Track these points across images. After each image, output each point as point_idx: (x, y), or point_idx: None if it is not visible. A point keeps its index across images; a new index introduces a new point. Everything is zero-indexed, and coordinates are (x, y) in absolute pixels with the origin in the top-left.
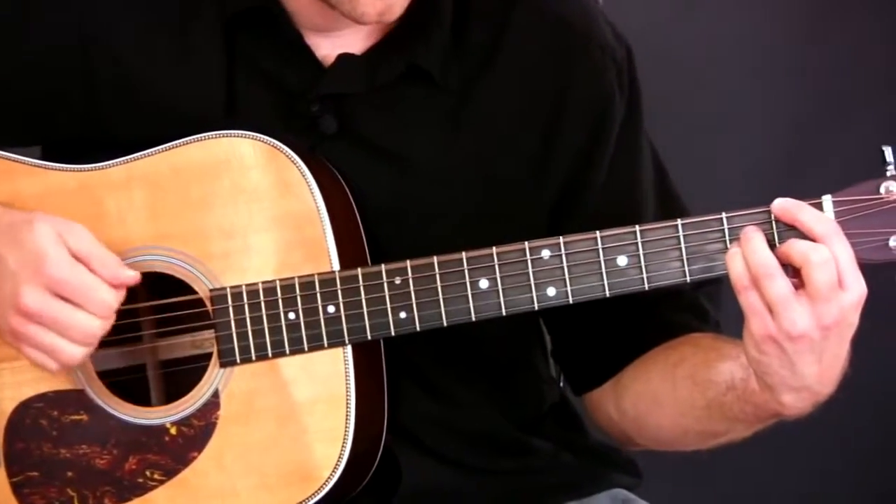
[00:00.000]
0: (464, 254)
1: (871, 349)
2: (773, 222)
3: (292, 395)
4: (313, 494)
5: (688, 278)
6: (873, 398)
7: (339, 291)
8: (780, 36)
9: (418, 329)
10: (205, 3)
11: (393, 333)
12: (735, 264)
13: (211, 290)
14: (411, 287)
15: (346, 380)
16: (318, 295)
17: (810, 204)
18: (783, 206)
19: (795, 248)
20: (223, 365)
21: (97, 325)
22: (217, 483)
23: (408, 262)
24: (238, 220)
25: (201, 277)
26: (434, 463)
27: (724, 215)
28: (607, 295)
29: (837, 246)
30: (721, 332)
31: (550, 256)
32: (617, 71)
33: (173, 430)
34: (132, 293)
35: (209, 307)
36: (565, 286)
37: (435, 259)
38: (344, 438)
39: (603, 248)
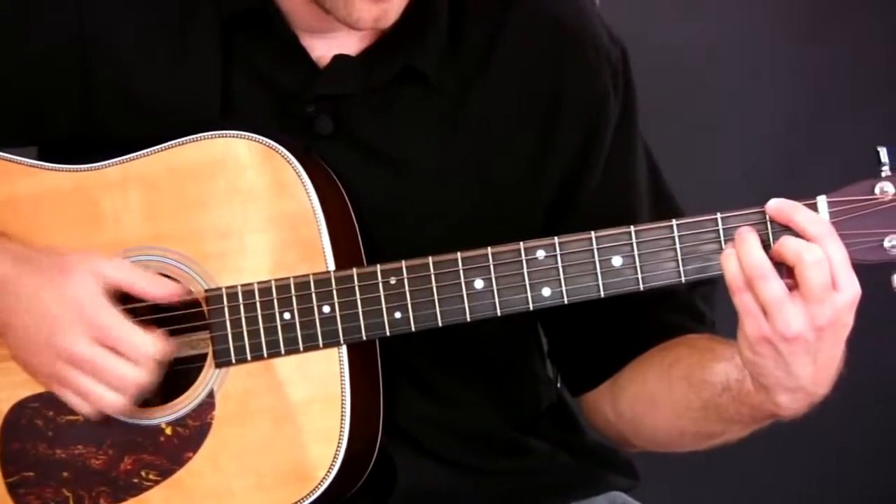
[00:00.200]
0: (459, 254)
1: (867, 350)
2: (768, 223)
3: (288, 395)
4: (308, 494)
5: (683, 279)
6: (870, 399)
7: (335, 291)
8: (779, 36)
9: (413, 329)
10: (203, 3)
11: (388, 333)
12: (730, 265)
13: (206, 291)
14: (406, 287)
15: (342, 380)
16: (314, 295)
17: (805, 204)
18: (777, 206)
19: (788, 246)
20: (218, 365)
21: (141, 377)
22: (212, 483)
23: (403, 263)
24: (234, 220)
25: (197, 278)
26: (430, 463)
27: (718, 216)
28: (602, 295)
29: (831, 246)
30: (716, 332)
31: (545, 257)
32: (612, 72)
33: (168, 431)
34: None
35: (204, 307)
36: (560, 286)
37: (430, 259)
38: (339, 438)
39: (598, 249)
